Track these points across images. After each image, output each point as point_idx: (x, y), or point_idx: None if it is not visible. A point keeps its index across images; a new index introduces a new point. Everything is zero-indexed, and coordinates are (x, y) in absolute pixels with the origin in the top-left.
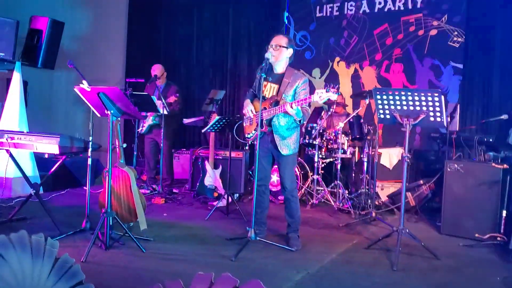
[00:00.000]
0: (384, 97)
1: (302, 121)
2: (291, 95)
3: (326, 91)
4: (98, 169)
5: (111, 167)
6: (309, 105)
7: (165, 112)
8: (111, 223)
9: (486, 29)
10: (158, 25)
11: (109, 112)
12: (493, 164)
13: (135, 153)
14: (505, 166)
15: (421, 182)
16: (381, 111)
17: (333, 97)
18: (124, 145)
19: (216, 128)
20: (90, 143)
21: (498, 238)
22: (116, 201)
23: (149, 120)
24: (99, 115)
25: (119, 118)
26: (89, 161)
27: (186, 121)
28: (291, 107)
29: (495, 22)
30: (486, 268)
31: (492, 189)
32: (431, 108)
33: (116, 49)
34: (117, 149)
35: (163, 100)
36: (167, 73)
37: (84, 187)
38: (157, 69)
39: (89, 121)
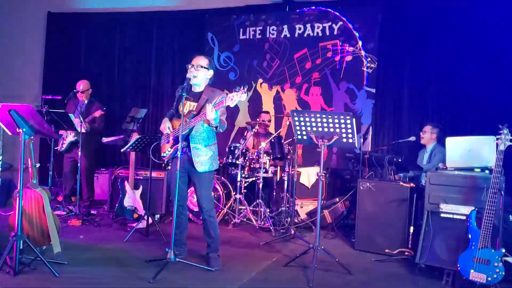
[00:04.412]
0: (302, 118)
1: (218, 128)
2: None
3: (236, 94)
4: (10, 190)
5: (22, 187)
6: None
7: (83, 130)
8: (21, 247)
9: (396, 56)
10: (78, 41)
11: (20, 130)
12: (402, 183)
13: (50, 173)
14: (412, 185)
15: (337, 199)
16: (299, 132)
17: (243, 97)
18: (38, 165)
19: (136, 147)
20: (0, 162)
21: (406, 253)
22: (28, 223)
23: (70, 137)
24: (10, 133)
25: (31, 137)
26: None
27: (105, 140)
28: (211, 111)
29: (404, 49)
30: (395, 282)
31: (400, 207)
32: (343, 130)
33: (32, 65)
34: (30, 168)
35: (81, 118)
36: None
37: None
38: (82, 84)
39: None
